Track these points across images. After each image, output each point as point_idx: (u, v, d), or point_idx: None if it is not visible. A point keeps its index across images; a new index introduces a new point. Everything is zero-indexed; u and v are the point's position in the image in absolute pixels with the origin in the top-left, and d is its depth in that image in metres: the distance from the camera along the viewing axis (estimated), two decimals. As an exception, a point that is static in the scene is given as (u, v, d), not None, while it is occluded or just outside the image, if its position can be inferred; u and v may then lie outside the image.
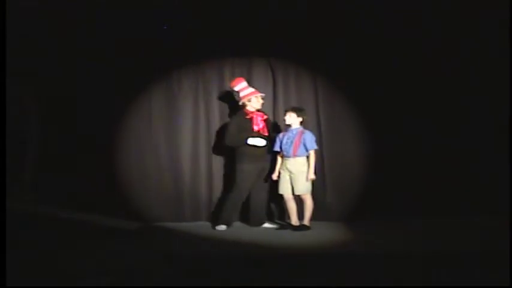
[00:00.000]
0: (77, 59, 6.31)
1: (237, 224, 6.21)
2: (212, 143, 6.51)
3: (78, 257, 4.40)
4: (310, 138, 5.71)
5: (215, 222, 5.94)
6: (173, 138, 6.51)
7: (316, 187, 5.96)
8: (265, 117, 6.04)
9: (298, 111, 5.79)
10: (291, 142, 5.69)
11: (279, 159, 5.84)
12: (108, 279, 3.63)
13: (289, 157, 5.70)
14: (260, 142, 5.87)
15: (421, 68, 6.31)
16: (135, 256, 4.43)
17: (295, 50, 6.44)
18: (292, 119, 5.75)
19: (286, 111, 5.85)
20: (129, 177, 6.42)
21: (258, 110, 6.01)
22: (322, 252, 4.60)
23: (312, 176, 5.67)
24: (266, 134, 5.93)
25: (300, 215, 5.76)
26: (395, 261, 4.06)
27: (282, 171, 5.78)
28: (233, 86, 6.07)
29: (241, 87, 6.01)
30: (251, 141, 5.83)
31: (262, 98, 6.04)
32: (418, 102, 6.28)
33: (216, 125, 6.53)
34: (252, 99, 5.94)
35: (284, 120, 5.84)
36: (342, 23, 6.34)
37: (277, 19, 6.34)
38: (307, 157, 5.71)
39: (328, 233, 5.44)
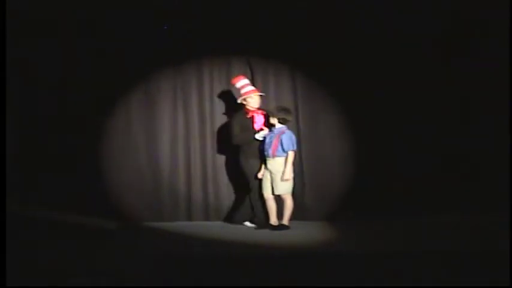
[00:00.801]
0: (54, 58, 6.31)
1: (218, 223, 6.27)
2: (191, 143, 6.54)
3: (59, 257, 4.37)
4: (287, 139, 5.68)
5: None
6: (152, 138, 6.53)
7: (296, 187, 5.96)
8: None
9: (275, 111, 5.79)
10: (271, 142, 5.70)
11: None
12: (90, 280, 3.61)
13: (269, 157, 5.71)
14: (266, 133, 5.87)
15: (408, 67, 6.30)
16: (117, 256, 4.39)
17: (274, 49, 6.45)
18: (271, 119, 5.75)
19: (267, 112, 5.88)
20: (109, 177, 6.44)
21: (259, 108, 6.00)
22: (301, 251, 4.58)
23: (287, 176, 5.65)
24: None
25: (281, 214, 5.77)
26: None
27: (265, 171, 5.79)
28: (233, 84, 6.07)
29: (241, 84, 5.99)
30: (258, 135, 5.84)
31: (261, 96, 6.02)
32: (405, 101, 6.29)
33: (195, 125, 6.56)
34: (247, 99, 5.93)
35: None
36: (319, 21, 6.35)
37: (255, 18, 6.37)
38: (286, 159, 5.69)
39: (307, 233, 5.47)
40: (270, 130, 5.80)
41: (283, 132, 5.70)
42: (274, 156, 5.68)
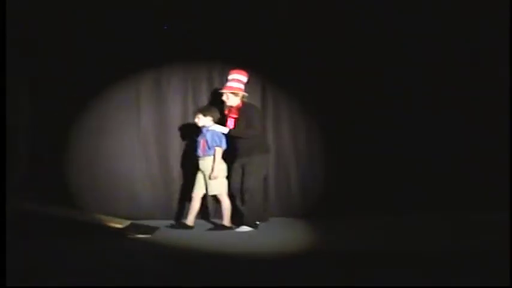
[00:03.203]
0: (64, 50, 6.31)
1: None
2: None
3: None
4: (210, 136, 5.63)
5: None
6: (163, 136, 6.49)
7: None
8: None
9: (205, 111, 5.74)
10: (200, 142, 5.69)
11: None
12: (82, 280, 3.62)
13: (200, 156, 5.69)
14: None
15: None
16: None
17: (242, 51, 6.37)
18: (202, 121, 5.69)
19: (195, 113, 5.80)
20: (117, 173, 6.44)
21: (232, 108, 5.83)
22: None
23: (215, 173, 5.56)
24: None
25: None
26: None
27: (198, 171, 5.74)
28: (231, 73, 5.84)
29: (236, 78, 5.80)
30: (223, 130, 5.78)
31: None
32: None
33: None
34: (230, 95, 5.75)
35: (196, 123, 5.76)
36: (288, 23, 6.40)
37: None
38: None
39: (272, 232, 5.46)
40: (202, 131, 5.74)
41: (207, 131, 5.67)
42: (204, 155, 5.65)
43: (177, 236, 5.37)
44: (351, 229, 5.60)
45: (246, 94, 5.81)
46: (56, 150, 6.34)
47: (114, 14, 6.30)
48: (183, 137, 6.45)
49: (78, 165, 6.39)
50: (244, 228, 5.57)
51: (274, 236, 5.30)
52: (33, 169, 6.28)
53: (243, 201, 5.63)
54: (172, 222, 6.07)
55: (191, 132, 6.19)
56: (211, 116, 5.69)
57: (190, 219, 5.71)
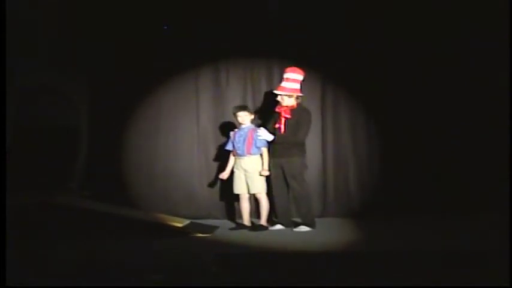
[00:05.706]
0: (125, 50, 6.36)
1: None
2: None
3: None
4: (261, 137, 5.60)
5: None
6: (221, 136, 6.40)
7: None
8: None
9: (247, 109, 5.76)
10: (244, 140, 5.64)
11: (232, 158, 5.78)
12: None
13: (243, 156, 5.66)
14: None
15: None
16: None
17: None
18: (246, 118, 5.68)
19: (237, 110, 5.73)
20: (175, 173, 6.47)
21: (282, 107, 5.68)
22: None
23: (266, 172, 5.60)
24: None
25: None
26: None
27: (236, 171, 5.73)
28: (286, 72, 5.64)
29: (292, 77, 5.61)
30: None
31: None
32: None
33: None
34: (284, 97, 5.59)
35: (238, 120, 5.72)
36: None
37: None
38: (261, 155, 5.65)
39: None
40: (239, 128, 5.73)
41: (254, 130, 5.65)
42: (249, 154, 5.63)
43: (235, 235, 5.40)
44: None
45: (301, 95, 5.62)
46: (113, 150, 6.41)
47: (170, 14, 6.35)
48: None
49: (136, 165, 6.45)
50: (304, 228, 5.54)
51: (333, 235, 5.29)
52: (92, 169, 6.35)
53: (295, 202, 5.63)
54: (228, 221, 6.15)
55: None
56: (253, 115, 5.75)
57: (246, 219, 5.73)
